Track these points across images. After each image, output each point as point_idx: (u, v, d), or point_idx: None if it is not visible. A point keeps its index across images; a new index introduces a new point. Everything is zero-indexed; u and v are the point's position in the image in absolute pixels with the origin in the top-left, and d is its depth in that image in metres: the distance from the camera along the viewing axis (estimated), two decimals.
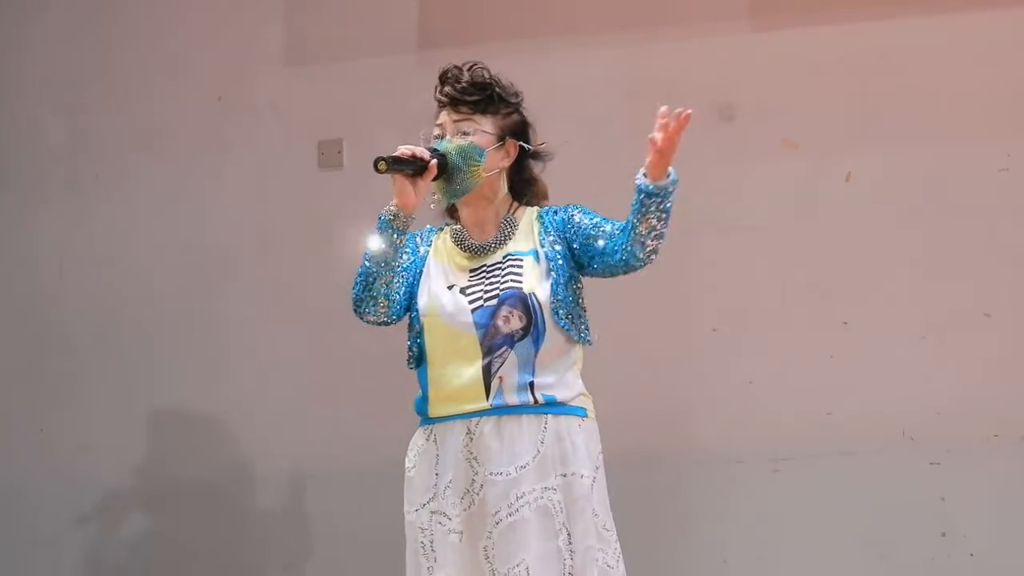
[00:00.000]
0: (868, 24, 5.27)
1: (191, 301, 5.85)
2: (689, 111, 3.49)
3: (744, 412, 5.30)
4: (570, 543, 3.59)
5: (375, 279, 3.63)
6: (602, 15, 5.51)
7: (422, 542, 3.64)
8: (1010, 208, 5.16)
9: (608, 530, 3.66)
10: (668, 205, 3.54)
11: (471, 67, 3.75)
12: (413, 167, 3.59)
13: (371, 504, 5.46)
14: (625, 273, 3.68)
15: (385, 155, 3.56)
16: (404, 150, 3.59)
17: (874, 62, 5.28)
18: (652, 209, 3.53)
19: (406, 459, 3.72)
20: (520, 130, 3.78)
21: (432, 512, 3.64)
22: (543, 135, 3.82)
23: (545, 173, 3.85)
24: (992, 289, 5.16)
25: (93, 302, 5.95)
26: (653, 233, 3.58)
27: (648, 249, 3.59)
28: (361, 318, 3.68)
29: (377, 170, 3.56)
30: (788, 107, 5.33)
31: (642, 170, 3.54)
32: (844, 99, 5.29)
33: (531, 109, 3.80)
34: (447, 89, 3.73)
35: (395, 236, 3.61)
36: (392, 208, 3.62)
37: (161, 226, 5.92)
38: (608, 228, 3.67)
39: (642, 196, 3.53)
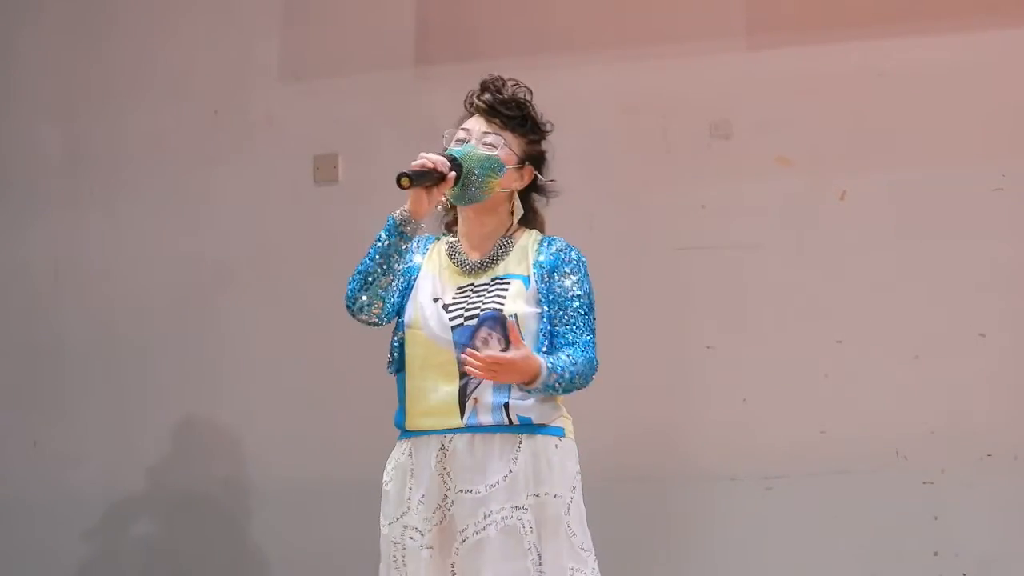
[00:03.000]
0: (863, 43, 5.28)
1: (186, 313, 5.84)
2: None
3: (738, 430, 5.29)
4: (540, 563, 3.55)
5: (374, 280, 3.62)
6: (599, 32, 5.51)
7: (394, 556, 3.65)
8: (1004, 227, 5.16)
9: (585, 550, 3.62)
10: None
11: (515, 83, 3.74)
12: (433, 179, 3.57)
13: (368, 516, 5.45)
14: None
15: (407, 170, 3.52)
16: (424, 161, 3.56)
17: (869, 81, 5.29)
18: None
19: (384, 472, 3.72)
20: (539, 160, 3.77)
21: (404, 526, 3.63)
22: None
23: None
24: (986, 309, 5.16)
25: (88, 314, 5.94)
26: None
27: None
28: (353, 316, 3.67)
29: (401, 186, 3.53)
30: (784, 125, 5.33)
31: None
32: (839, 118, 5.30)
33: None
34: (487, 96, 3.71)
35: (401, 241, 3.61)
36: (404, 212, 3.60)
37: (157, 239, 5.91)
38: (570, 337, 3.65)
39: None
